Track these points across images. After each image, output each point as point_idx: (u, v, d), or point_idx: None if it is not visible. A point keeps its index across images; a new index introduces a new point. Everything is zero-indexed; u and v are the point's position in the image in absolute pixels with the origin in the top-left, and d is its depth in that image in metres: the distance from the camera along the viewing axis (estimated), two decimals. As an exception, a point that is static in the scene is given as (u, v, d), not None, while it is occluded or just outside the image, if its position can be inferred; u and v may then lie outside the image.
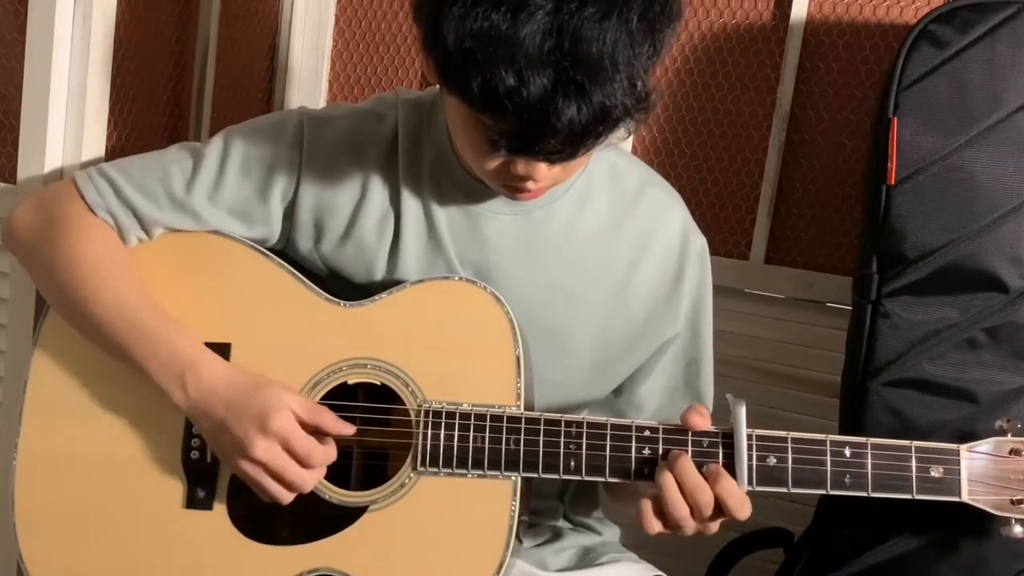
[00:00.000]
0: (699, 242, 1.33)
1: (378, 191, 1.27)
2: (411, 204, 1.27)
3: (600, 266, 1.29)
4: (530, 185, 1.12)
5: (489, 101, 1.01)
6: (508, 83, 0.98)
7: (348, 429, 1.18)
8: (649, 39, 1.02)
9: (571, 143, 1.04)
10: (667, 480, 1.12)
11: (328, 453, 1.17)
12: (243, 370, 1.20)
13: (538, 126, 1.01)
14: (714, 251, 1.76)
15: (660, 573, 1.35)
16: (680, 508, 1.11)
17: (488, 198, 1.25)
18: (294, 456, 1.15)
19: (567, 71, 0.98)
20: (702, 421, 1.15)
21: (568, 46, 0.98)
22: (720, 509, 1.12)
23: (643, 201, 1.30)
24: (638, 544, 1.49)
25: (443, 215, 1.26)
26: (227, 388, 1.17)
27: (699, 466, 1.12)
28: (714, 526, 1.14)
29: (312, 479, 1.17)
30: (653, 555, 1.42)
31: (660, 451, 1.15)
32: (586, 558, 1.37)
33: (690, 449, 1.14)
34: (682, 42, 1.75)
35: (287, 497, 1.17)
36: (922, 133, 1.43)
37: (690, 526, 1.13)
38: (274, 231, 1.29)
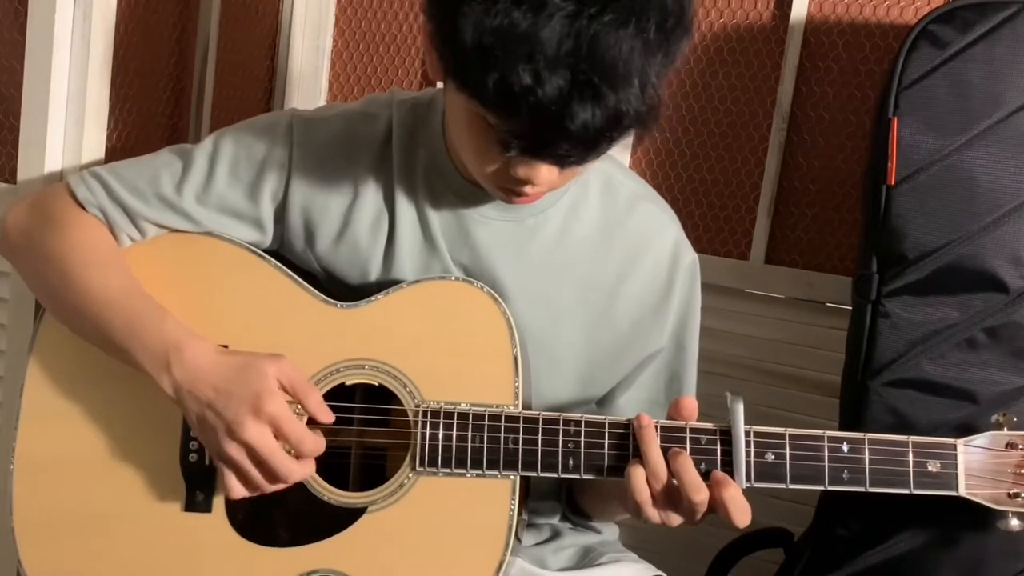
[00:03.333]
0: (689, 257, 1.33)
1: (371, 192, 1.27)
2: (405, 205, 1.26)
3: (588, 277, 1.29)
4: (528, 189, 1.12)
5: (503, 99, 1.00)
6: (524, 82, 0.98)
7: (327, 416, 1.16)
8: (663, 49, 1.02)
9: (583, 146, 1.04)
10: (634, 467, 1.12)
11: (319, 443, 1.14)
12: (229, 350, 1.18)
13: (552, 128, 1.01)
14: (714, 251, 1.77)
15: (660, 573, 1.34)
16: (642, 492, 1.11)
17: (480, 203, 1.25)
18: (286, 441, 1.12)
19: (584, 74, 0.98)
20: (689, 403, 1.15)
21: (586, 49, 0.97)
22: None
23: (635, 215, 1.30)
24: (638, 544, 1.49)
25: (436, 217, 1.26)
26: (214, 368, 1.14)
27: (697, 464, 1.12)
28: (678, 517, 1.13)
29: (299, 472, 1.14)
30: (653, 555, 1.41)
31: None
32: (586, 557, 1.36)
33: (688, 446, 1.14)
34: (682, 42, 1.75)
35: (267, 487, 1.14)
36: (922, 133, 1.43)
37: (654, 516, 1.12)
38: (267, 232, 1.29)
